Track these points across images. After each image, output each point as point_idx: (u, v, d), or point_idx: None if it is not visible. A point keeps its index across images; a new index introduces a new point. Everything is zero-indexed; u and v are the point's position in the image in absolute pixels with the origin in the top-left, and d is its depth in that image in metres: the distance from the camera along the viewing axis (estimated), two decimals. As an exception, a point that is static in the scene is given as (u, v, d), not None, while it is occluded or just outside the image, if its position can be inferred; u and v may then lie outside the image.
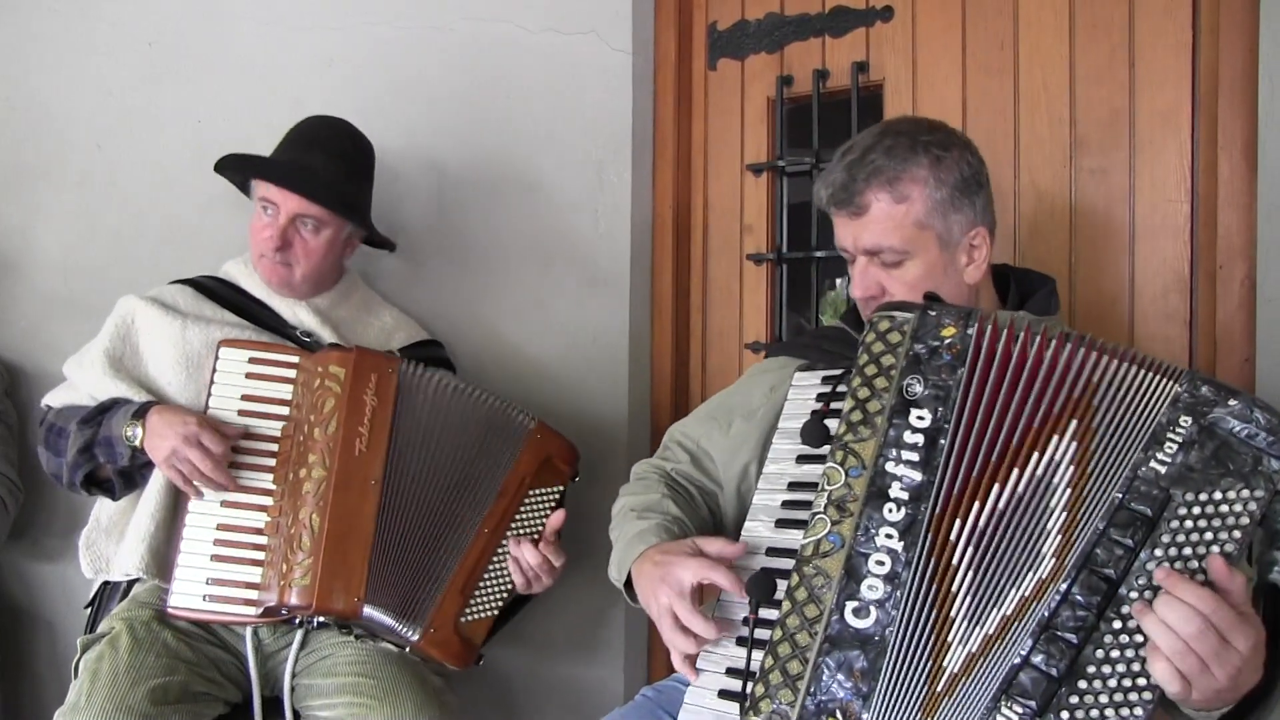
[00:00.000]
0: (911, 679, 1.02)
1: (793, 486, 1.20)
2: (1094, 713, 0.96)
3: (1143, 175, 1.67)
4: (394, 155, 2.13)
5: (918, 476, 1.07)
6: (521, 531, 1.68)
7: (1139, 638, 0.96)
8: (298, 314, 1.80)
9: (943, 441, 1.08)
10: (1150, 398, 1.06)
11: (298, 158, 1.75)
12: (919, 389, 1.11)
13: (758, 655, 1.07)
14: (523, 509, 1.70)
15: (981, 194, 1.36)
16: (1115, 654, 0.97)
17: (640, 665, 2.03)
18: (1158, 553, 0.99)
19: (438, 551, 1.63)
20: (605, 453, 1.95)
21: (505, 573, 1.67)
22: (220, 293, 1.82)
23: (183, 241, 2.25)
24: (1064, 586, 1.00)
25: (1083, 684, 0.97)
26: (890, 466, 1.08)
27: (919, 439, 1.09)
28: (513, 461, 1.69)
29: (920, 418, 1.10)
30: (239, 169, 1.79)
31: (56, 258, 2.37)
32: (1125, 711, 0.95)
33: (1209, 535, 0.98)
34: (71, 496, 2.06)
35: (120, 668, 1.53)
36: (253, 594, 1.57)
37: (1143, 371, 1.08)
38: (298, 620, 1.60)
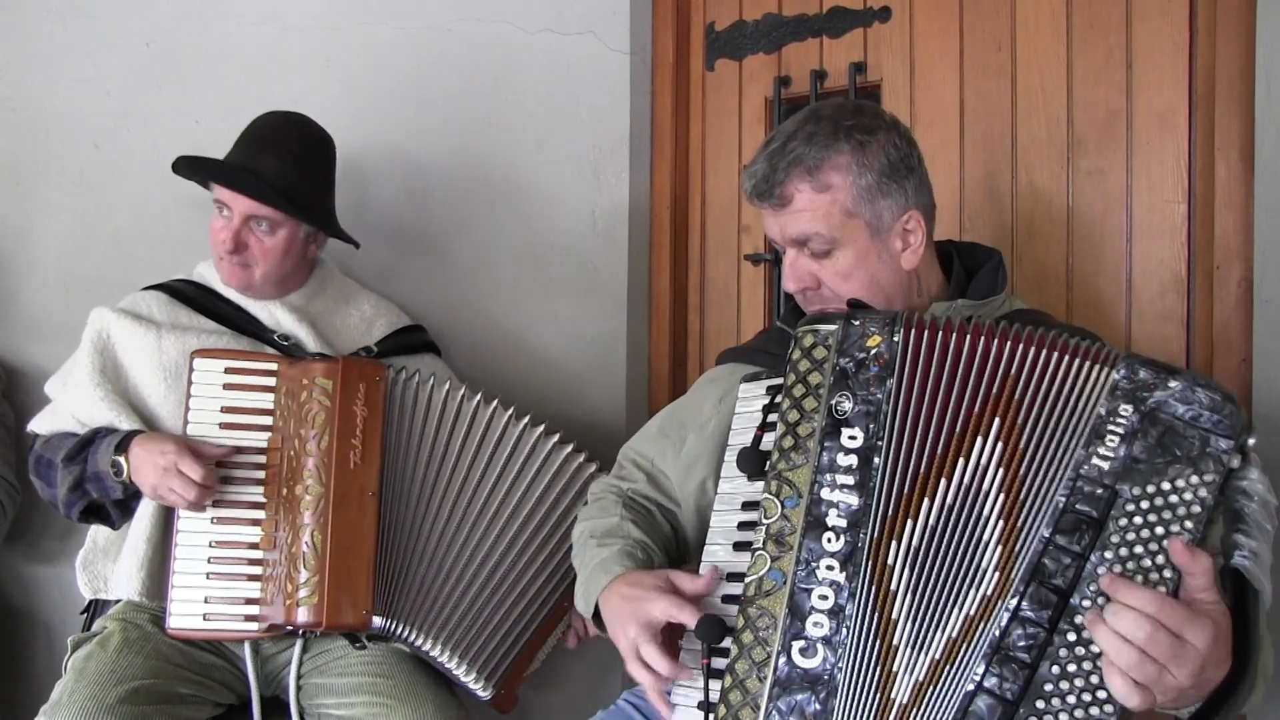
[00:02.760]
0: (862, 716, 0.98)
1: (747, 506, 1.14)
2: None
3: (1140, 176, 1.67)
4: (390, 155, 2.13)
5: (854, 501, 1.02)
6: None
7: (1095, 648, 0.91)
8: (274, 314, 1.77)
9: (877, 460, 1.03)
10: (1086, 388, 1.01)
11: (248, 158, 1.72)
12: (848, 406, 1.05)
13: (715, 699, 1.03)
14: None
15: (913, 177, 1.29)
16: (1072, 668, 0.92)
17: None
18: (1107, 555, 0.93)
19: (513, 611, 1.65)
20: (603, 454, 1.95)
21: (558, 635, 1.71)
22: (194, 297, 1.78)
23: (180, 241, 2.25)
24: (1013, 603, 0.95)
25: (1040, 704, 0.92)
26: (826, 493, 1.03)
27: (852, 460, 1.03)
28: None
29: (852, 437, 1.04)
30: (191, 170, 1.76)
31: (54, 258, 2.37)
32: None
33: (1159, 530, 0.93)
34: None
35: (106, 668, 1.53)
36: (253, 609, 1.57)
37: (1074, 360, 1.02)
38: (303, 634, 1.60)
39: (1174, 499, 0.94)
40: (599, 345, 2.02)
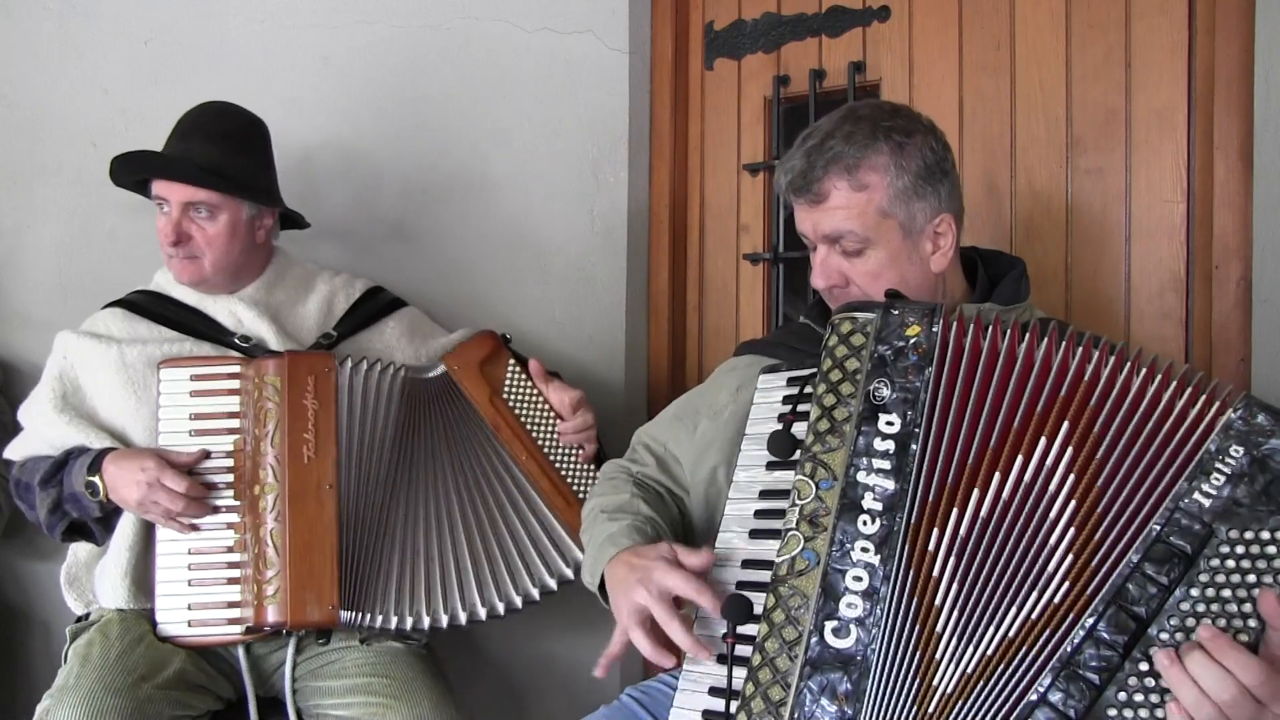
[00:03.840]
0: (898, 699, 0.98)
1: (764, 494, 1.15)
2: None
3: (1139, 175, 1.67)
4: (388, 153, 2.13)
5: (891, 485, 1.03)
6: (537, 423, 1.75)
7: (1165, 683, 0.91)
8: (235, 311, 1.74)
9: (914, 446, 1.03)
10: (1192, 420, 0.99)
11: (175, 147, 1.71)
12: (886, 393, 1.06)
13: (739, 679, 1.03)
14: (518, 409, 1.73)
15: (946, 181, 1.30)
16: (1139, 698, 0.91)
17: (637, 654, 2.03)
18: (1193, 593, 0.92)
19: (515, 513, 1.71)
20: (601, 453, 1.94)
21: (574, 456, 1.74)
22: (151, 308, 1.76)
23: (178, 240, 2.24)
24: (1090, 621, 0.94)
25: None
26: (862, 476, 1.03)
27: (890, 445, 1.04)
28: (470, 403, 1.73)
29: (889, 423, 1.05)
30: (125, 168, 1.74)
31: (52, 257, 2.37)
32: None
33: (1251, 578, 0.92)
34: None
35: (111, 653, 1.53)
36: (235, 613, 1.58)
37: (1175, 387, 1.00)
38: (285, 632, 1.61)
39: (1270, 549, 0.92)
40: (597, 344, 2.02)
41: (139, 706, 1.47)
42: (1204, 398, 1.00)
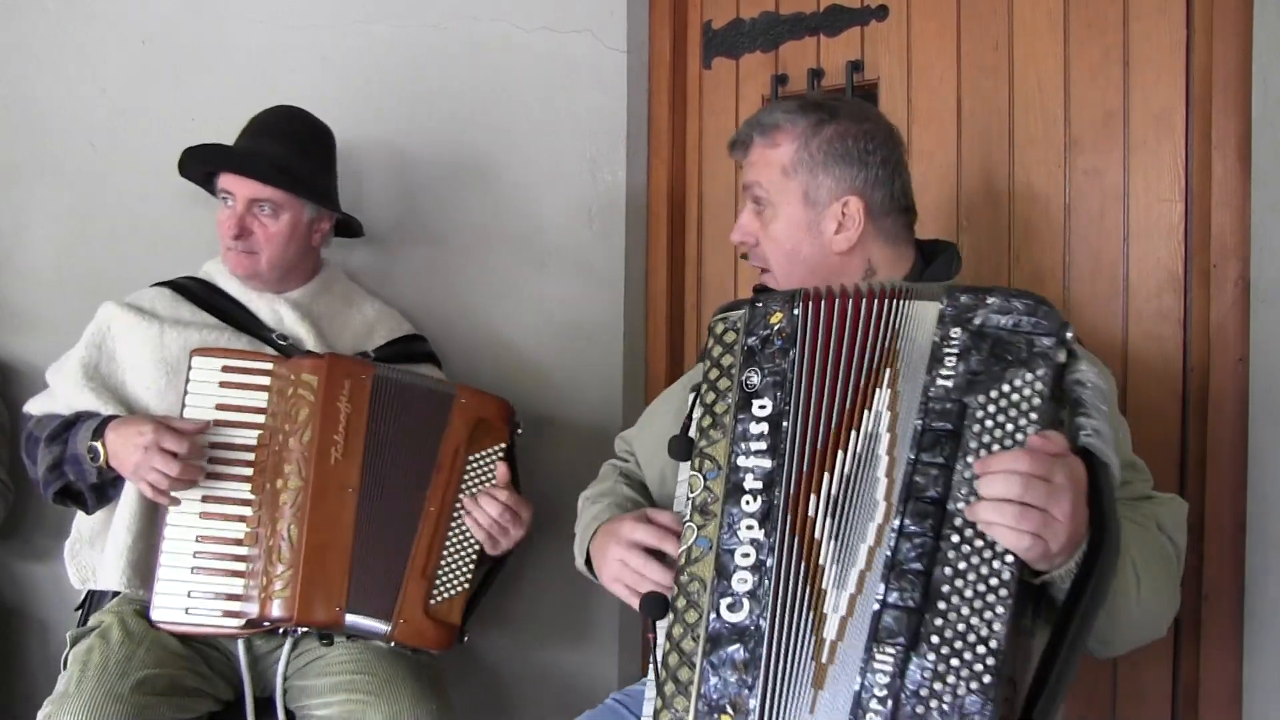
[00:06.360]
0: (796, 657, 1.04)
1: None
2: (960, 626, 0.97)
3: (1137, 175, 1.67)
4: (387, 153, 2.13)
5: (767, 463, 1.09)
6: (474, 494, 1.66)
7: (978, 541, 0.99)
8: (278, 311, 1.78)
9: (786, 424, 1.10)
10: (921, 320, 1.09)
11: (246, 144, 1.75)
12: (757, 379, 1.13)
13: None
14: (467, 477, 1.67)
15: (864, 169, 1.34)
16: (962, 564, 0.99)
17: (634, 650, 2.04)
18: (969, 459, 1.01)
19: (398, 543, 1.63)
20: (599, 449, 1.94)
21: (466, 544, 1.65)
22: (198, 294, 1.80)
23: (176, 241, 2.24)
24: (897, 523, 1.02)
25: (941, 604, 0.98)
26: (742, 460, 1.10)
27: (764, 427, 1.11)
28: (442, 429, 1.66)
29: (762, 406, 1.11)
30: (195, 160, 1.78)
31: (49, 257, 2.36)
32: (989, 614, 0.97)
33: (1009, 426, 1.01)
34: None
35: (111, 659, 1.53)
36: (234, 605, 1.58)
37: (908, 301, 1.11)
38: (281, 630, 1.61)
39: (1015, 397, 1.02)
40: (596, 343, 2.02)
41: (139, 712, 1.47)
42: (915, 300, 1.11)
